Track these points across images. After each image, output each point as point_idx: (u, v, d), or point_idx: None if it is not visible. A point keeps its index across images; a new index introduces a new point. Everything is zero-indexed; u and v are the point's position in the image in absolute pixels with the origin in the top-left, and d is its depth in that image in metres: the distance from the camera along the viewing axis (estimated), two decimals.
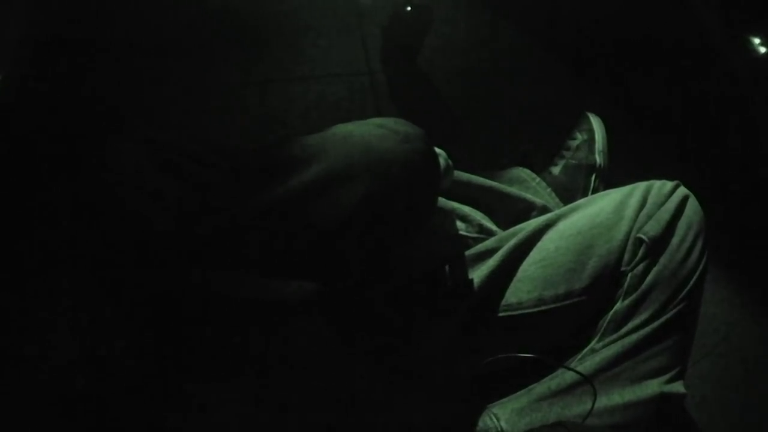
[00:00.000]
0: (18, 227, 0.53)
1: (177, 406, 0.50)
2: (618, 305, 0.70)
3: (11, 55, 0.89)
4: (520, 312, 0.69)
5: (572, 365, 0.67)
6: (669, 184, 0.77)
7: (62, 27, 0.99)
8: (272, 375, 0.53)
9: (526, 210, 0.89)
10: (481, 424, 0.63)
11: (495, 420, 0.63)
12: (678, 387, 0.67)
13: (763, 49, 1.17)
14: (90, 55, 0.99)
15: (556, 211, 0.76)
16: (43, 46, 0.96)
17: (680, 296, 0.69)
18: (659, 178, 0.78)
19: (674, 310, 0.69)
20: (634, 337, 0.67)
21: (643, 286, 0.69)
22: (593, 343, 0.69)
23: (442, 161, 0.77)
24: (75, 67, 0.97)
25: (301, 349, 0.55)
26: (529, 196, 0.91)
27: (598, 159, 1.03)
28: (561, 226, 0.73)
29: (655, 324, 0.68)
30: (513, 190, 0.91)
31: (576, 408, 0.64)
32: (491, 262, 0.70)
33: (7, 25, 0.89)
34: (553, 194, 0.99)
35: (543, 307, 0.69)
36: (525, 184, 1.00)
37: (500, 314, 0.69)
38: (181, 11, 1.07)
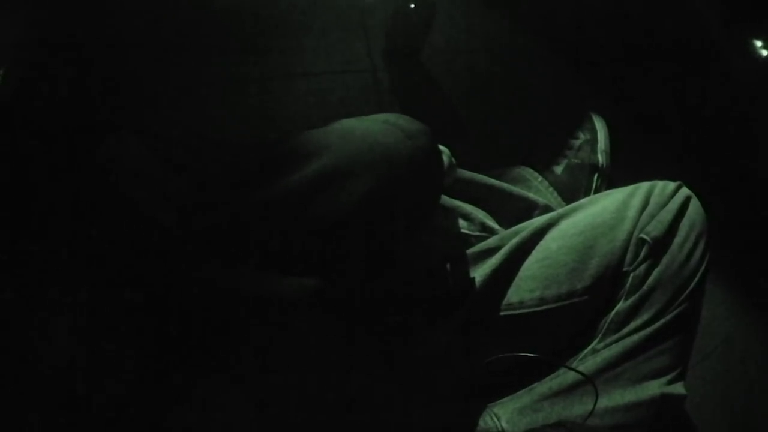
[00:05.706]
0: (18, 226, 0.52)
1: (177, 406, 0.49)
2: (619, 305, 0.70)
3: (11, 55, 0.88)
4: (521, 311, 0.69)
5: (573, 365, 0.66)
6: (671, 185, 0.76)
7: (62, 27, 0.99)
8: (272, 373, 0.53)
9: (529, 209, 0.89)
10: (481, 423, 0.63)
11: (496, 420, 0.63)
12: (678, 388, 0.67)
13: (764, 52, 1.17)
14: (90, 54, 0.99)
15: (559, 211, 0.76)
16: (43, 46, 0.96)
17: (682, 297, 0.69)
18: (661, 178, 0.78)
19: (675, 311, 0.69)
20: (636, 337, 0.67)
21: (645, 286, 0.69)
22: (594, 343, 0.69)
23: (445, 159, 0.77)
24: (75, 67, 0.96)
25: (301, 347, 0.54)
26: (531, 195, 0.90)
27: (601, 159, 1.03)
28: (563, 225, 0.73)
29: (657, 325, 0.68)
30: (515, 189, 0.91)
31: (577, 408, 0.64)
32: (493, 261, 0.70)
33: (7, 25, 0.89)
34: (556, 194, 0.99)
35: (544, 307, 0.69)
36: (527, 183, 1.00)
37: (502, 313, 0.69)
38: (181, 11, 1.07)
